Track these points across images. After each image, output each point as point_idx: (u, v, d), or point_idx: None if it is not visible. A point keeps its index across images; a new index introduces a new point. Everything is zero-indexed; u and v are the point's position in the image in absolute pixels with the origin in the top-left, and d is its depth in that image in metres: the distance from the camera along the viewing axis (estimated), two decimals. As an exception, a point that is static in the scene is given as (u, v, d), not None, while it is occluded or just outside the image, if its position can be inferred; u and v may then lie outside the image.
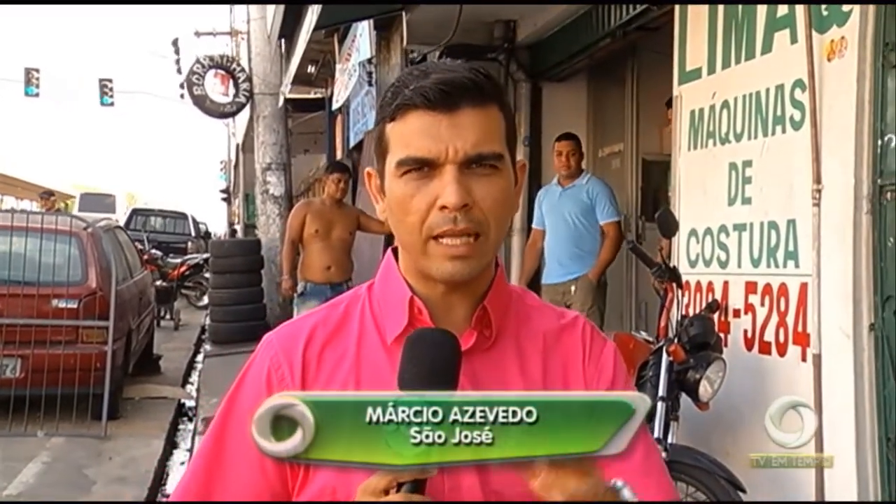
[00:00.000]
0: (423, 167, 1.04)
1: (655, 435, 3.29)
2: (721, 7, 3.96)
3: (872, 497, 3.08)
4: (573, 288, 5.38)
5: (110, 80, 20.36)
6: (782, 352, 3.53)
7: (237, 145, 24.09)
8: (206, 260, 13.22)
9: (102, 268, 6.71)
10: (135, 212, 22.25)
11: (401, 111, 1.04)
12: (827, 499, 3.16)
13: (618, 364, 1.16)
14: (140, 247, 11.12)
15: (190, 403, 7.88)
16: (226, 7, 19.08)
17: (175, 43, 19.80)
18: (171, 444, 6.53)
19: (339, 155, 13.91)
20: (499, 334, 1.11)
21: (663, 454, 3.26)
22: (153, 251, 14.36)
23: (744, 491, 3.23)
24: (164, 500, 5.28)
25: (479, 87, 1.04)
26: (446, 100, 1.02)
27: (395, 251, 1.16)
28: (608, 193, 5.46)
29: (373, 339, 1.11)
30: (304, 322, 1.14)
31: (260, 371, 1.11)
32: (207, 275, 12.28)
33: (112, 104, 20.32)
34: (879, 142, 3.06)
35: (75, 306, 6.42)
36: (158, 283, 12.01)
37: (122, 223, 13.34)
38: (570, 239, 5.42)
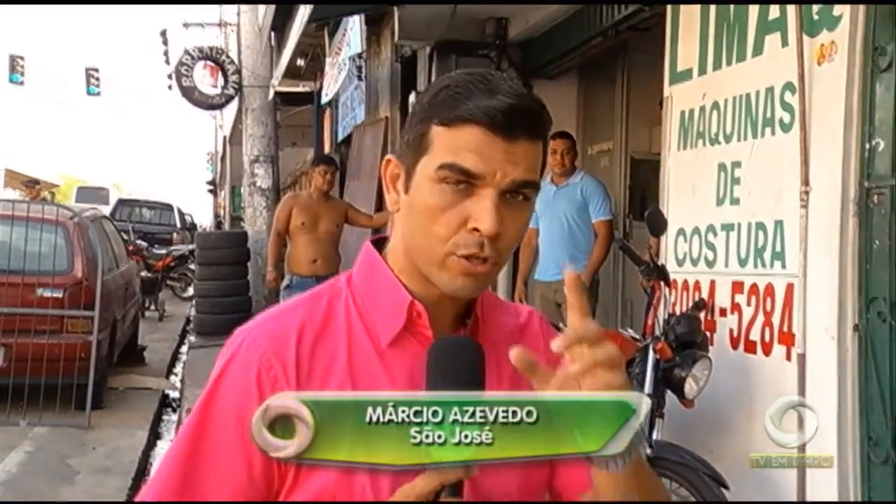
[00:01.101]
0: (463, 182, 1.02)
1: (641, 432, 3.31)
2: (713, 9, 3.98)
3: (853, 497, 3.11)
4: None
5: (97, 70, 20.30)
6: (767, 351, 3.56)
7: (224, 137, 23.98)
8: (191, 251, 13.16)
9: (88, 258, 6.66)
10: (120, 202, 22.11)
11: (459, 121, 1.02)
12: (808, 498, 3.20)
13: None
14: (125, 237, 11.06)
15: (174, 394, 7.85)
16: (215, -2, 19.00)
17: (163, 34, 19.74)
18: (154, 435, 6.51)
19: (327, 149, 13.88)
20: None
21: (648, 450, 3.29)
22: (138, 242, 14.28)
23: (727, 488, 3.26)
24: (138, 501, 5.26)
25: (539, 121, 1.05)
26: (509, 126, 1.01)
27: (374, 243, 1.14)
28: (602, 191, 5.45)
29: (363, 339, 1.08)
30: (290, 319, 1.09)
31: (247, 371, 1.04)
32: (192, 266, 12.23)
33: (98, 94, 20.28)
34: (867, 145, 3.09)
35: (60, 296, 6.38)
36: (143, 273, 11.95)
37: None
38: (566, 239, 5.40)
